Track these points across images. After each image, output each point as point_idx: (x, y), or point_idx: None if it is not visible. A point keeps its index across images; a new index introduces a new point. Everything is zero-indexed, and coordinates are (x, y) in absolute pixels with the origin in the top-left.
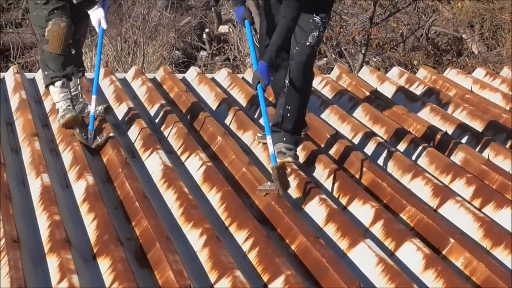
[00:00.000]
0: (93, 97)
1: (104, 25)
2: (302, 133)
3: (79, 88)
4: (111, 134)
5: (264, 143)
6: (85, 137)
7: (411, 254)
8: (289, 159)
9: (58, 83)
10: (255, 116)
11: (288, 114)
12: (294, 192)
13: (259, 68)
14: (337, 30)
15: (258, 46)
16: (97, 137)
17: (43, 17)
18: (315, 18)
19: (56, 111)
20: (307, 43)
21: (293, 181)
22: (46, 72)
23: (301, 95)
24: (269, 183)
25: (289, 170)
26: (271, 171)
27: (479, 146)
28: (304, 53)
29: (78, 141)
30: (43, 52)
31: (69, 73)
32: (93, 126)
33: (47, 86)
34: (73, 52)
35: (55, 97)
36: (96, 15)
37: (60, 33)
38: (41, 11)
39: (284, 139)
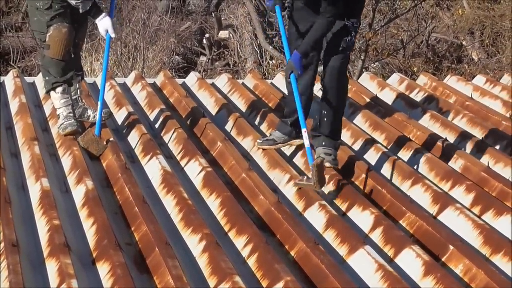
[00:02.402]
0: (98, 102)
1: (112, 34)
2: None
3: (78, 92)
4: (111, 139)
5: (263, 149)
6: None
7: (411, 260)
8: (327, 164)
9: (59, 89)
10: (255, 121)
11: (325, 119)
12: (293, 198)
13: (293, 57)
14: None
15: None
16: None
17: (44, 23)
18: (346, 23)
19: (57, 116)
20: (340, 48)
21: (292, 187)
22: (47, 78)
23: (336, 99)
24: (305, 178)
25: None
26: (310, 167)
27: (479, 153)
28: (337, 57)
29: (77, 146)
30: (44, 57)
31: (70, 78)
32: (100, 131)
33: (48, 92)
34: (72, 56)
35: (56, 103)
36: (104, 24)
37: (62, 38)
38: (43, 16)
39: (324, 143)
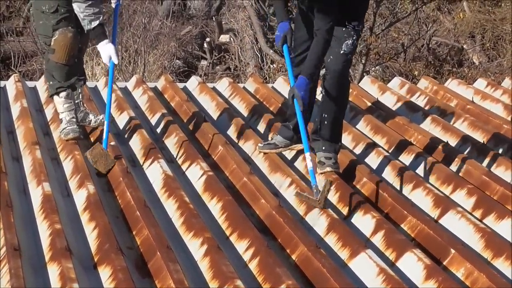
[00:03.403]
0: (105, 122)
1: (115, 60)
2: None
3: (80, 97)
4: (112, 143)
5: (265, 153)
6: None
7: (412, 264)
8: (328, 169)
9: (63, 94)
10: (256, 126)
11: (325, 122)
12: (295, 202)
13: (297, 83)
14: None
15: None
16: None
17: (50, 26)
18: (348, 26)
19: (59, 121)
20: (341, 52)
21: (294, 191)
22: (51, 82)
23: (337, 103)
24: (307, 193)
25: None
26: (323, 184)
27: (480, 157)
28: (339, 61)
29: (79, 150)
30: (48, 61)
31: (74, 83)
32: (107, 146)
33: (51, 96)
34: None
35: (59, 108)
36: (107, 50)
37: (67, 43)
38: (48, 20)
39: (324, 147)
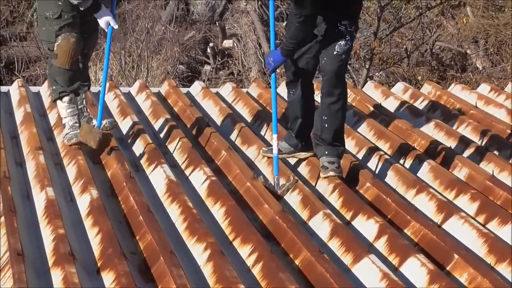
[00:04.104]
0: (100, 92)
1: (115, 25)
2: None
3: (84, 102)
4: (116, 147)
5: (269, 157)
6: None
7: (415, 269)
8: (331, 173)
9: (66, 98)
10: (260, 131)
11: (326, 125)
12: (298, 207)
13: (274, 53)
14: None
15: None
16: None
17: (53, 32)
18: (339, 27)
19: (62, 126)
20: (335, 53)
21: (297, 195)
22: (54, 87)
23: (335, 105)
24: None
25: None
26: (289, 182)
27: (484, 162)
28: (333, 62)
29: (82, 155)
30: (51, 66)
31: (77, 88)
32: (101, 122)
33: (54, 101)
34: (80, 66)
35: (62, 112)
36: (104, 18)
37: (70, 48)
38: (52, 26)
39: (326, 152)
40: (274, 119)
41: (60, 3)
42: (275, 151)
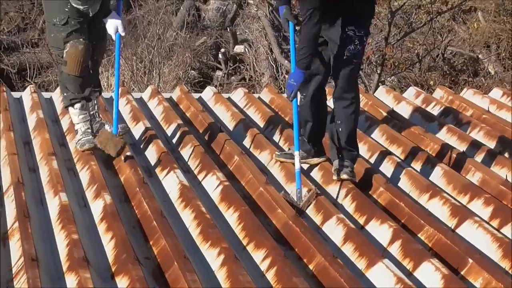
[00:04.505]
0: (114, 99)
1: (122, 32)
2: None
3: (96, 108)
4: (128, 153)
5: (281, 162)
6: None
7: (430, 274)
8: (345, 176)
9: (78, 105)
10: (272, 136)
11: (340, 129)
12: (311, 211)
13: (293, 73)
14: None
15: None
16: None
17: (61, 39)
18: (348, 32)
19: (75, 132)
20: (344, 57)
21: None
22: (65, 94)
23: (347, 110)
24: (293, 194)
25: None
26: (309, 194)
27: (497, 166)
28: (343, 66)
29: (95, 160)
30: (61, 73)
31: (88, 95)
32: (117, 129)
33: (66, 107)
34: (90, 72)
35: (75, 119)
36: (112, 22)
37: (78, 55)
38: (59, 33)
39: (340, 155)
40: (295, 137)
41: (66, 9)
42: (297, 166)
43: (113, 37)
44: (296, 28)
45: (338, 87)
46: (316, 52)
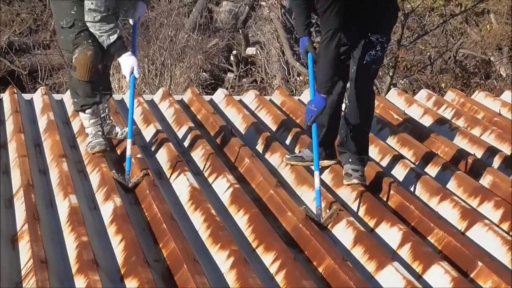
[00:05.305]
0: (129, 141)
1: (136, 74)
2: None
3: (106, 111)
4: (138, 155)
5: (292, 165)
6: (122, 177)
7: (439, 277)
8: (355, 181)
9: (89, 110)
10: (283, 138)
11: (352, 134)
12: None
13: (316, 100)
14: None
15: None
16: (134, 176)
17: (70, 41)
18: (371, 38)
19: (85, 134)
20: (364, 62)
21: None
22: (75, 99)
23: (362, 114)
24: (315, 211)
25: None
26: (331, 210)
27: (508, 169)
28: (362, 72)
29: (106, 163)
30: (71, 78)
31: (99, 100)
32: (130, 167)
33: (77, 111)
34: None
35: (85, 123)
36: (129, 62)
37: (87, 61)
38: (67, 35)
39: (350, 160)
40: (315, 156)
41: (73, 12)
42: (317, 185)
43: (127, 79)
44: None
45: (353, 91)
46: (337, 73)
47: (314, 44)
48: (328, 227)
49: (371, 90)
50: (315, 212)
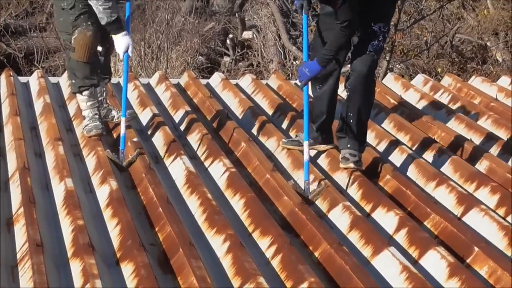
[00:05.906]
0: (122, 119)
1: (130, 53)
2: None
3: (104, 94)
4: (134, 139)
5: (288, 149)
6: (117, 156)
7: (435, 262)
8: (351, 165)
9: (86, 92)
10: (279, 122)
11: (351, 121)
12: (318, 199)
13: (311, 66)
14: None
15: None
16: (129, 155)
17: (69, 23)
18: (373, 28)
19: (82, 117)
20: (367, 52)
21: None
22: (73, 81)
23: (362, 103)
24: (302, 184)
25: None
26: (320, 187)
27: (504, 155)
28: (365, 61)
29: (102, 146)
30: (69, 60)
31: (97, 82)
32: (124, 146)
33: (74, 93)
34: (101, 59)
35: (82, 105)
36: (124, 42)
37: (87, 42)
38: (68, 16)
39: (349, 145)
40: (305, 126)
41: None
42: (306, 157)
43: (121, 57)
44: (310, 18)
45: (354, 79)
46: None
47: (310, 28)
48: (324, 211)
49: (372, 80)
50: (303, 187)
